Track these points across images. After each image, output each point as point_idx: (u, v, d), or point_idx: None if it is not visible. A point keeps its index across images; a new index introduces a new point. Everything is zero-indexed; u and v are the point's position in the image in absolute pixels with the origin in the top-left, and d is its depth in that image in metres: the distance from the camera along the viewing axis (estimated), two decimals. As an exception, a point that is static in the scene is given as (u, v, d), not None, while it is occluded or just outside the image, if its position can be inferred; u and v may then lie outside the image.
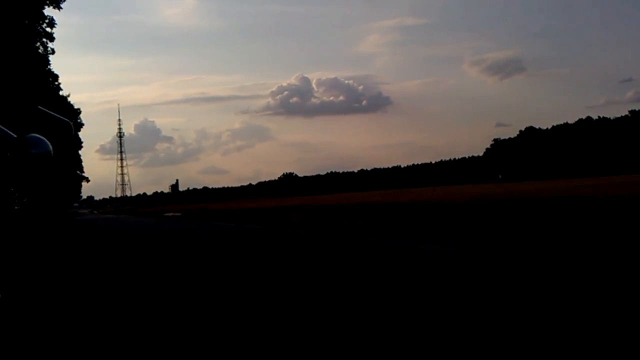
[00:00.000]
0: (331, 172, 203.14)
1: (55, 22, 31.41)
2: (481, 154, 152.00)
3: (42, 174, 2.02)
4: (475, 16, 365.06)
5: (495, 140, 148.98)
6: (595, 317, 5.42)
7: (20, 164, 1.84)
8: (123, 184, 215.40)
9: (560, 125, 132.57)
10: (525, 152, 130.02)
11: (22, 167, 1.84)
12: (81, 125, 61.73)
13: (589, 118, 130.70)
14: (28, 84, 28.46)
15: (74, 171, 70.99)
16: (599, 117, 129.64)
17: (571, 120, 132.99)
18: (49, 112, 2.18)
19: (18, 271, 11.81)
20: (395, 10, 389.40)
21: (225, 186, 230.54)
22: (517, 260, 9.93)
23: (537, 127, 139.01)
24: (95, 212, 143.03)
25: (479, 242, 13.03)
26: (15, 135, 1.88)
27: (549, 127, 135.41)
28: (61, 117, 2.18)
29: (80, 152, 72.41)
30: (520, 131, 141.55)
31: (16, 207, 53.77)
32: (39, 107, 2.14)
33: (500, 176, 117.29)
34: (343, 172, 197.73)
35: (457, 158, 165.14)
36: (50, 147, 1.90)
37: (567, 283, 7.51)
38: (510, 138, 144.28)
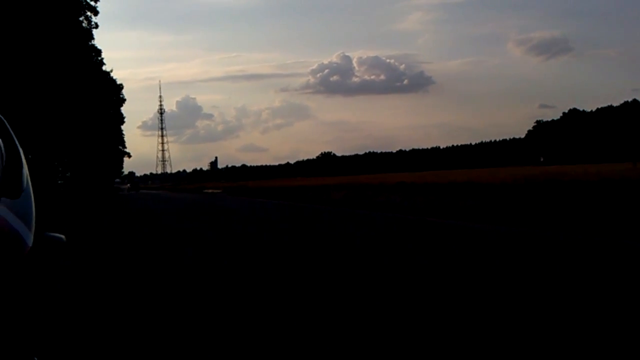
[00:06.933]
0: (369, 152, 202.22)
1: (99, -5, 31.57)
2: (523, 136, 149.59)
3: None
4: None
5: (537, 122, 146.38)
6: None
7: None
8: (164, 160, 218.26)
9: (605, 107, 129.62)
10: (569, 135, 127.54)
11: None
12: (123, 101, 62.44)
13: (635, 101, 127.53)
14: (72, 57, 28.64)
15: (116, 146, 71.99)
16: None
17: (616, 103, 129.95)
18: None
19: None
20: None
21: (264, 164, 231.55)
22: (567, 239, 9.74)
23: (581, 109, 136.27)
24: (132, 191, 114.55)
25: (517, 221, 12.85)
26: None
27: (593, 110, 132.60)
28: None
29: (122, 127, 73.37)
30: (564, 113, 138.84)
31: (59, 182, 54.81)
32: None
33: (541, 159, 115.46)
34: (381, 152, 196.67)
35: (497, 140, 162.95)
36: None
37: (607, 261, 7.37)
38: (553, 120, 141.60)
